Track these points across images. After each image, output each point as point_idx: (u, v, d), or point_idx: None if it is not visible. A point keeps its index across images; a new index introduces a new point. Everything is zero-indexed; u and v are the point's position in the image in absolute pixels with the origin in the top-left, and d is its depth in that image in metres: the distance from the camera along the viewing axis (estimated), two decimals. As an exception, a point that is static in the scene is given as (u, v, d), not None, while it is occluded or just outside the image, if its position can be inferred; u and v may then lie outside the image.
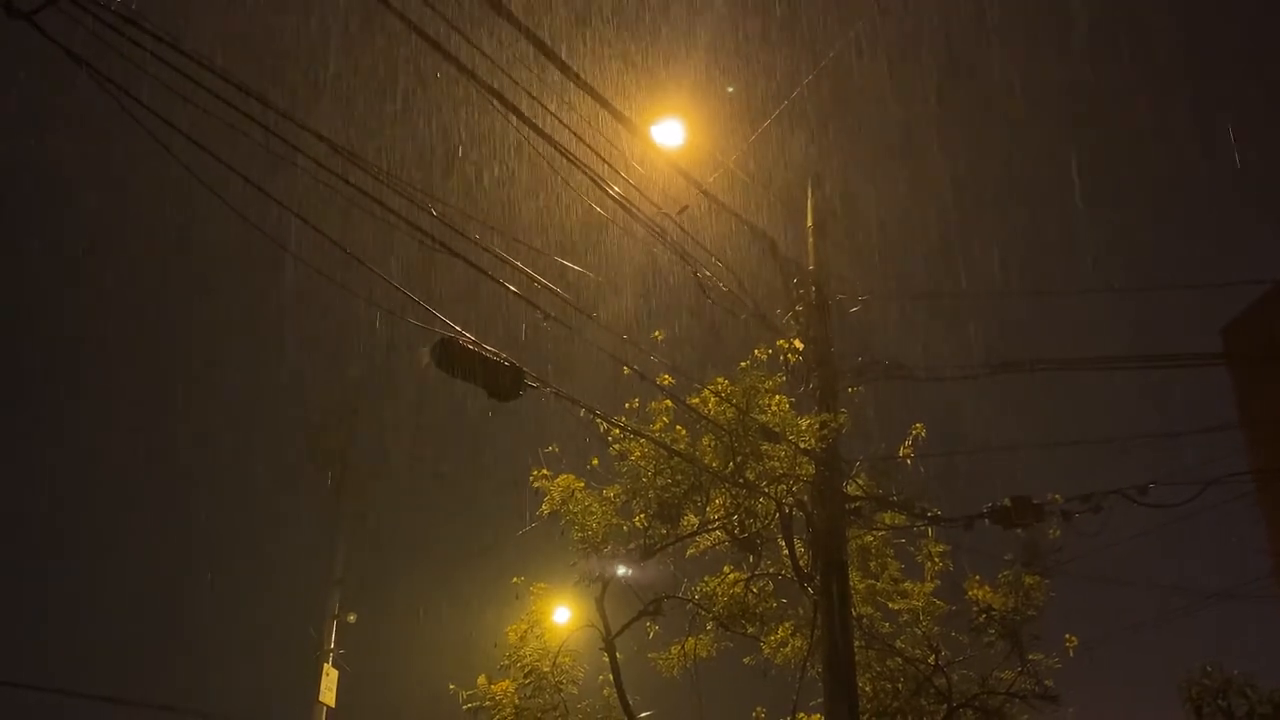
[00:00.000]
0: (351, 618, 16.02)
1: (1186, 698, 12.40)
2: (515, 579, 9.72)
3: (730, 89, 9.62)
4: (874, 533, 9.99)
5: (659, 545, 9.06)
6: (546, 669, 9.27)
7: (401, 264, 6.65)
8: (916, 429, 9.52)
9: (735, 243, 9.48)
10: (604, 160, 7.68)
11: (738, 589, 9.67)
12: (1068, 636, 9.56)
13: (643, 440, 8.80)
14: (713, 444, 8.81)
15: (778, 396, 8.94)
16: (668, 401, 8.90)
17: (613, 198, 7.84)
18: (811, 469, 8.93)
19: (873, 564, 10.02)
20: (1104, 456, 10.08)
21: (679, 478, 8.79)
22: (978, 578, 9.79)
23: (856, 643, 9.13)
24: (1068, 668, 9.57)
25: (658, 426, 8.91)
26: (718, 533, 9.26)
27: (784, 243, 9.92)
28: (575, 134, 7.34)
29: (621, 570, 9.12)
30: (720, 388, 8.80)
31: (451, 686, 9.48)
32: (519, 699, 9.24)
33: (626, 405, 8.94)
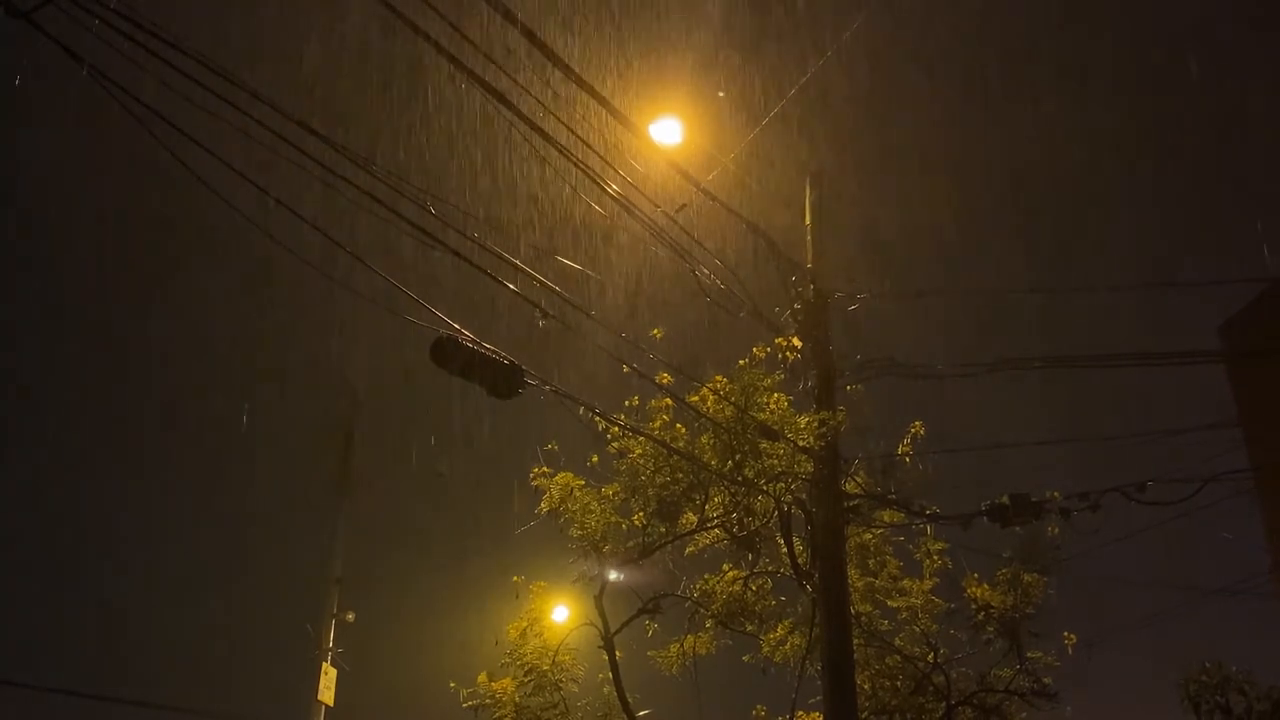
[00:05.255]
0: (350, 616, 16.01)
1: (1185, 695, 12.41)
2: (515, 577, 9.73)
3: (721, 94, 9.59)
4: (872, 530, 10.01)
5: (658, 543, 9.06)
6: (546, 667, 9.28)
7: (401, 262, 6.66)
8: (915, 427, 9.54)
9: (733, 241, 9.48)
10: (602, 159, 7.69)
11: (736, 587, 9.69)
12: (1066, 634, 9.59)
13: (642, 438, 8.80)
14: (712, 442, 8.81)
15: (776, 394, 8.94)
16: (667, 399, 8.90)
17: (611, 196, 7.84)
18: (810, 467, 8.93)
19: (871, 562, 10.04)
20: (1102, 454, 10.11)
21: (678, 476, 8.79)
22: (976, 575, 9.80)
23: (855, 640, 9.14)
24: (1066, 665, 9.60)
25: (657, 424, 8.90)
26: (716, 531, 9.27)
27: (782, 241, 9.94)
28: (574, 132, 7.34)
29: (620, 569, 9.13)
30: (719, 386, 8.80)
31: (452, 684, 9.51)
32: (519, 697, 9.26)
33: (626, 403, 8.95)
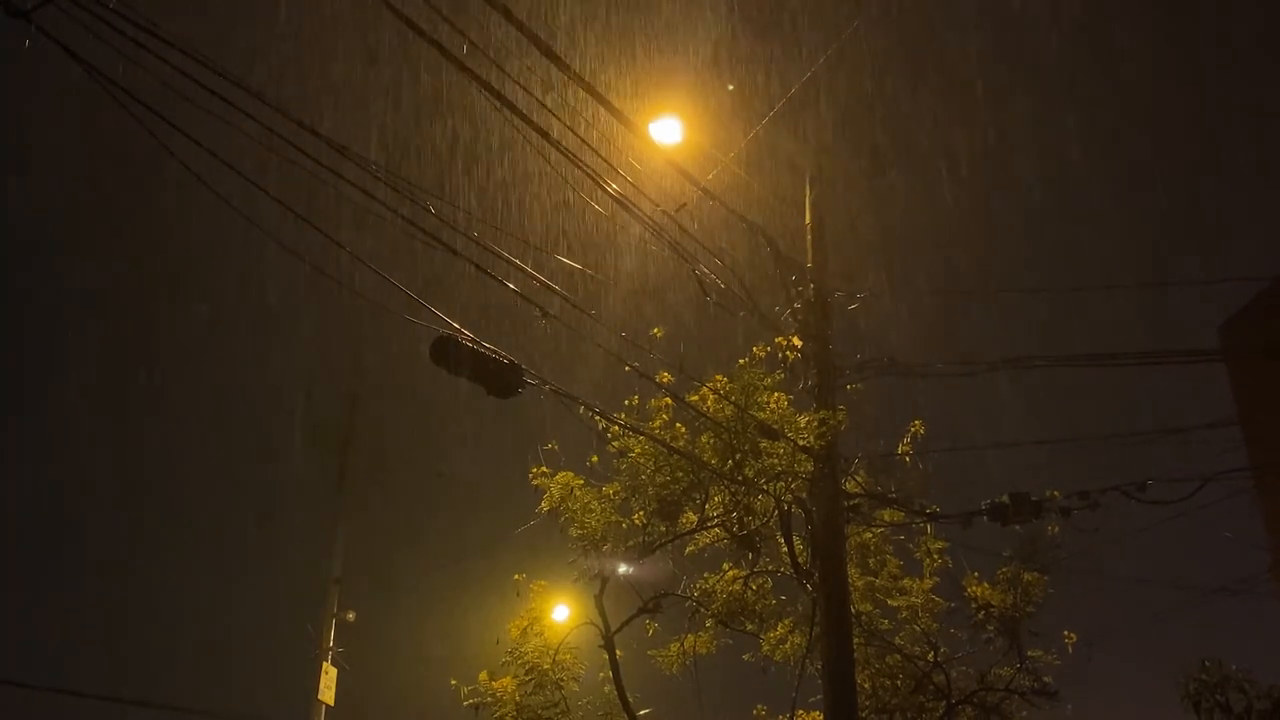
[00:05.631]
0: (350, 616, 16.04)
1: (1185, 694, 12.42)
2: (515, 576, 9.74)
3: (730, 87, 9.60)
4: (873, 530, 10.01)
5: (658, 542, 9.06)
6: (547, 666, 9.28)
7: (402, 262, 6.66)
8: (915, 426, 9.54)
9: (734, 240, 9.49)
10: (602, 158, 7.68)
11: (736, 586, 9.69)
12: (1066, 633, 9.59)
13: (642, 438, 8.80)
14: (712, 441, 8.81)
15: (776, 394, 8.94)
16: (667, 399, 8.90)
17: (611, 195, 7.84)
18: (810, 466, 8.93)
19: (871, 561, 10.04)
20: (1102, 454, 10.10)
21: (678, 475, 8.79)
22: (976, 574, 9.81)
23: (855, 640, 9.14)
24: (1066, 664, 9.61)
25: (657, 424, 8.91)
26: (717, 530, 9.27)
27: (782, 240, 9.94)
28: (574, 131, 7.34)
29: (621, 568, 9.13)
30: (719, 385, 8.80)
31: (454, 682, 9.51)
32: (520, 696, 9.26)
33: (626, 403, 8.95)
